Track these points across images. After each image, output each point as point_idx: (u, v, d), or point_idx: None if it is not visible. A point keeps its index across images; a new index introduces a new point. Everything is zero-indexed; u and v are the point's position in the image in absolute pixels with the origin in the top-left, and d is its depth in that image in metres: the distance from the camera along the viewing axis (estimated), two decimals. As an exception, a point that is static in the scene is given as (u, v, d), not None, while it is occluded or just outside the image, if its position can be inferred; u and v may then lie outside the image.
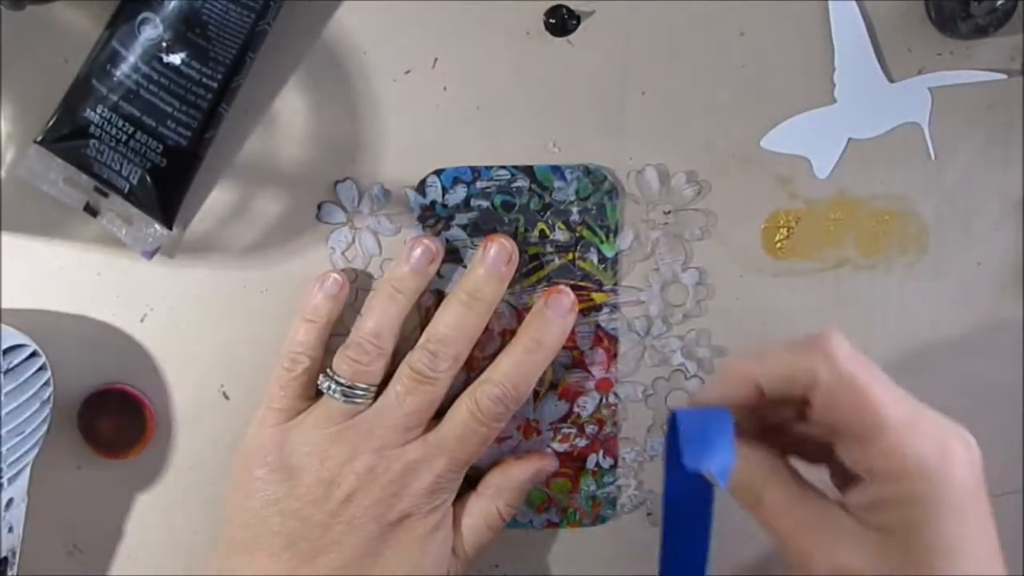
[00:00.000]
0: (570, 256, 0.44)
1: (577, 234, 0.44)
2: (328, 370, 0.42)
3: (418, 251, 0.42)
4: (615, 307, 0.45)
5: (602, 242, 0.44)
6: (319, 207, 0.43)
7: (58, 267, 0.43)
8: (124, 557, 0.46)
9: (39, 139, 0.40)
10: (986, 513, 0.36)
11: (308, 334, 0.43)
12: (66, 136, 0.40)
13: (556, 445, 0.46)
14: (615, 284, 0.45)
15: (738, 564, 0.48)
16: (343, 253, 0.44)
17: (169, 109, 0.40)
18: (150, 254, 0.43)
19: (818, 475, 0.39)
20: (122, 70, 0.39)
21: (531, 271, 0.44)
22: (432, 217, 0.44)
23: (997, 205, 0.45)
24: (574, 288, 0.44)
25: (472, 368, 0.44)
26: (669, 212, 0.44)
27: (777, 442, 0.39)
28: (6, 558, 0.41)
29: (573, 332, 0.44)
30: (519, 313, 0.44)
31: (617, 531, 0.47)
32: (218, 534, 0.43)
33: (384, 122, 0.43)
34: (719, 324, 0.46)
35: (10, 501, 0.41)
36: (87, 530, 0.46)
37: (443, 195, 0.43)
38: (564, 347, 0.44)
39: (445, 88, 0.43)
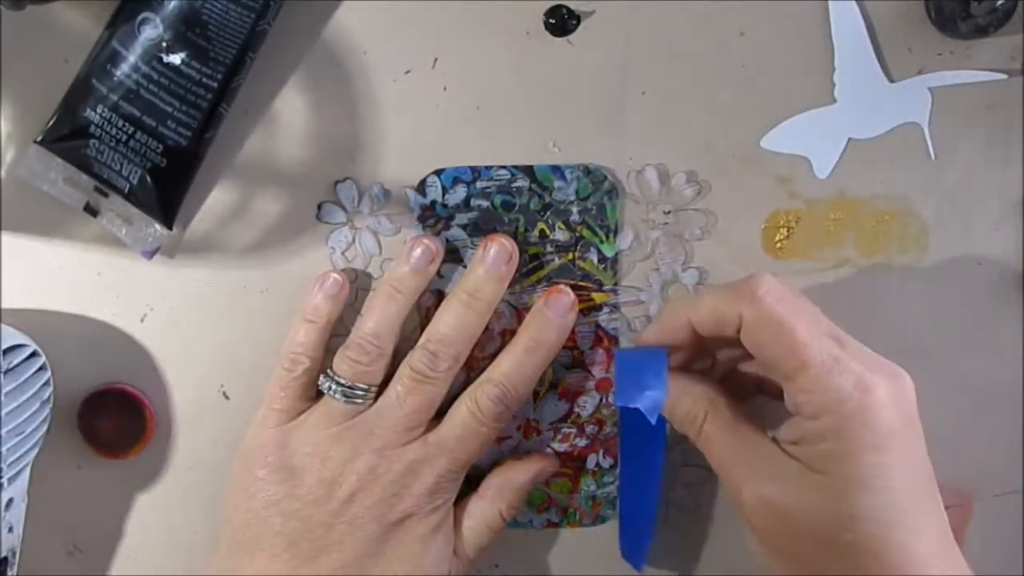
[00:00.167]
0: (570, 256, 0.44)
1: (577, 234, 0.44)
2: (328, 370, 0.42)
3: (418, 251, 0.42)
4: (615, 307, 0.45)
5: (602, 242, 0.44)
6: (319, 207, 0.43)
7: (58, 267, 0.43)
8: (124, 557, 0.47)
9: (39, 139, 0.40)
10: (915, 450, 0.37)
11: (308, 334, 0.43)
12: (66, 136, 0.40)
13: (556, 445, 0.46)
14: (615, 284, 0.45)
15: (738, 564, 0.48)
16: (343, 253, 0.44)
17: (169, 109, 0.40)
18: (150, 254, 0.43)
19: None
20: (122, 70, 0.39)
21: (531, 271, 0.44)
22: (432, 217, 0.44)
23: (997, 205, 0.45)
24: (574, 288, 0.44)
25: (472, 368, 0.44)
26: (669, 212, 0.44)
27: (746, 380, 0.42)
28: (6, 558, 0.41)
29: (573, 332, 0.44)
30: (519, 313, 0.45)
31: (617, 531, 0.47)
32: (218, 534, 0.43)
33: (384, 122, 0.43)
34: (719, 324, 0.46)
35: (10, 501, 0.41)
36: (87, 530, 0.46)
37: (443, 195, 0.43)
38: (564, 347, 0.44)
39: (445, 88, 0.43)
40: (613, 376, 0.42)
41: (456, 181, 0.43)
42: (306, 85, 0.42)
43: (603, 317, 0.45)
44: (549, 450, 0.46)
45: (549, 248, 0.44)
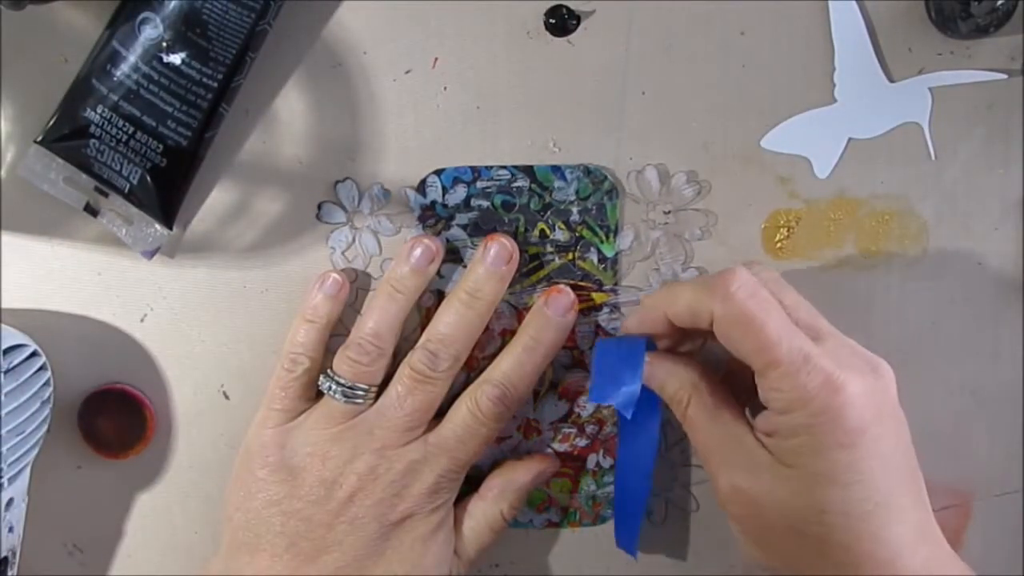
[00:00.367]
0: (570, 256, 0.44)
1: (577, 234, 0.44)
2: (328, 370, 0.42)
3: (418, 251, 0.42)
4: (615, 307, 0.45)
5: (602, 242, 0.44)
6: (319, 207, 0.43)
7: (58, 267, 0.43)
8: (124, 557, 0.47)
9: (39, 139, 0.40)
10: (890, 443, 0.37)
11: (308, 334, 0.43)
12: (66, 136, 0.40)
13: (556, 445, 0.46)
14: (615, 284, 0.45)
15: (736, 564, 0.48)
16: (343, 253, 0.44)
17: (169, 109, 0.40)
18: (150, 254, 0.43)
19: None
20: (122, 70, 0.39)
21: (531, 271, 0.44)
22: (432, 217, 0.44)
23: (997, 205, 0.45)
24: (574, 288, 0.44)
25: (472, 368, 0.44)
26: (669, 212, 0.44)
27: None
28: (6, 558, 0.41)
29: (573, 332, 0.44)
30: (519, 313, 0.45)
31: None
32: (218, 534, 0.43)
33: (384, 122, 0.43)
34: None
35: (10, 501, 0.41)
36: (87, 530, 0.46)
37: (443, 195, 0.43)
38: (564, 347, 0.44)
39: (445, 88, 0.43)
40: (591, 368, 0.42)
41: (456, 181, 0.43)
42: (306, 85, 0.42)
43: (603, 317, 0.45)
44: (549, 450, 0.46)
45: (549, 248, 0.44)
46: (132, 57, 0.39)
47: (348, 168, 0.43)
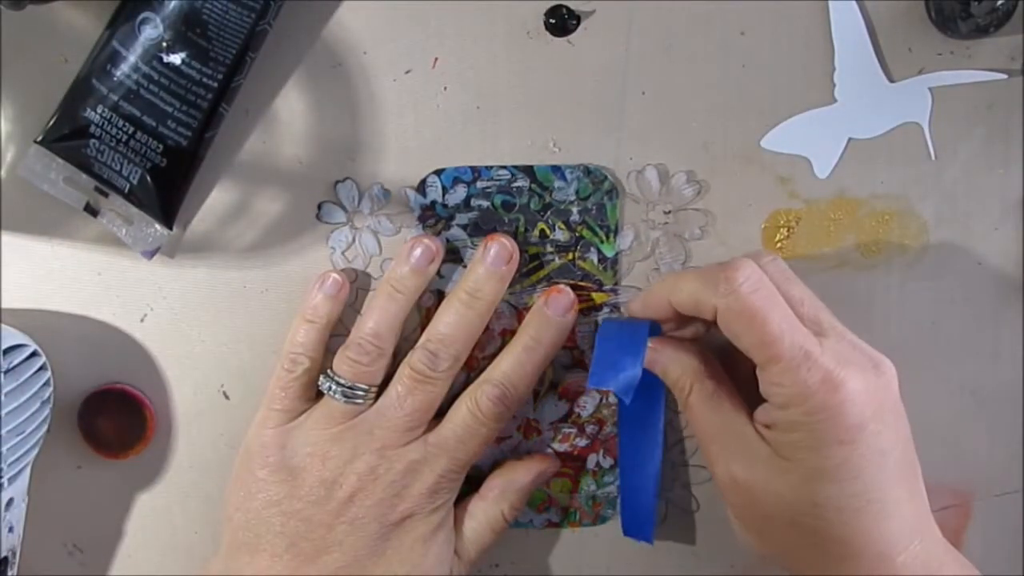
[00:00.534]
0: (570, 256, 0.44)
1: (577, 234, 0.44)
2: (328, 371, 0.42)
3: (418, 251, 0.42)
4: (615, 307, 0.45)
5: (602, 242, 0.44)
6: (319, 207, 0.43)
7: (58, 267, 0.43)
8: (124, 557, 0.47)
9: (39, 139, 0.40)
10: (888, 439, 0.37)
11: (308, 335, 0.43)
12: (66, 136, 0.40)
13: (556, 445, 0.46)
14: (615, 284, 0.45)
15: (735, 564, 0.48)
16: (343, 253, 0.44)
17: (169, 109, 0.40)
18: (150, 254, 0.43)
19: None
20: (122, 70, 0.39)
21: (531, 271, 0.44)
22: (432, 217, 0.44)
23: (997, 205, 0.45)
24: (574, 288, 0.44)
25: (472, 368, 0.44)
26: (669, 212, 0.44)
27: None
28: (6, 558, 0.41)
29: (573, 332, 0.44)
30: (519, 313, 0.45)
31: (617, 531, 0.47)
32: (218, 534, 0.43)
33: (384, 122, 0.43)
34: (719, 324, 0.46)
35: (10, 501, 0.41)
36: (87, 530, 0.46)
37: (443, 195, 0.43)
38: (564, 347, 0.44)
39: (445, 88, 0.43)
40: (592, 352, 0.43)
41: (456, 181, 0.43)
42: (306, 85, 0.42)
43: (603, 317, 0.45)
44: (549, 450, 0.46)
45: (549, 248, 0.44)
46: (132, 57, 0.39)
47: (348, 168, 0.43)
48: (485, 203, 0.44)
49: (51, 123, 0.40)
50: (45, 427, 0.42)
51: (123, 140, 0.40)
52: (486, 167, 0.43)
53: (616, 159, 0.44)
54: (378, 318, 0.42)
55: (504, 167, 0.43)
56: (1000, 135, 0.44)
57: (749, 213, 0.45)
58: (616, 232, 0.44)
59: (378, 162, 0.43)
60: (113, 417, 0.44)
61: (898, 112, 0.44)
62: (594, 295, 0.45)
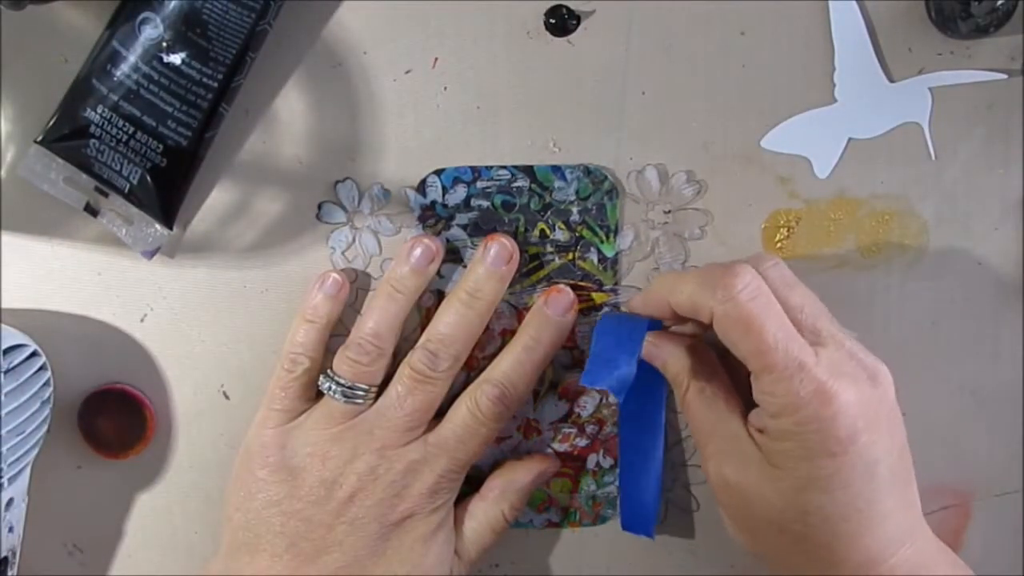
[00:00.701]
0: (570, 256, 0.44)
1: (577, 234, 0.44)
2: (328, 371, 0.42)
3: (418, 251, 0.42)
4: (615, 307, 0.45)
5: (602, 242, 0.44)
6: (319, 207, 0.43)
7: (58, 267, 0.43)
8: (124, 557, 0.47)
9: (39, 139, 0.40)
10: (882, 449, 0.37)
11: (308, 335, 0.43)
12: (66, 136, 0.40)
13: (556, 445, 0.46)
14: (615, 284, 0.45)
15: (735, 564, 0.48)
16: (343, 253, 0.44)
17: (169, 109, 0.40)
18: (150, 254, 0.43)
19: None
20: (122, 70, 0.39)
21: (531, 271, 0.44)
22: (432, 217, 0.44)
23: (997, 205, 0.45)
24: (574, 288, 0.44)
25: (472, 368, 0.44)
26: (669, 212, 0.44)
27: None
28: (6, 558, 0.41)
29: (573, 332, 0.44)
30: (519, 313, 0.45)
31: (617, 531, 0.47)
32: (218, 534, 0.43)
33: (384, 122, 0.43)
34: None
35: (10, 501, 0.41)
36: (87, 530, 0.46)
37: (443, 195, 0.43)
38: (564, 347, 0.44)
39: (445, 88, 0.43)
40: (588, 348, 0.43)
41: (456, 181, 0.43)
42: (306, 85, 0.42)
43: (604, 312, 0.45)
44: (549, 450, 0.46)
45: (549, 248, 0.44)
46: (132, 57, 0.39)
47: (348, 168, 0.43)
48: (485, 203, 0.44)
49: (51, 123, 0.40)
50: (45, 427, 0.42)
51: (123, 140, 0.40)
52: (486, 167, 0.43)
53: (616, 159, 0.44)
54: (378, 318, 0.42)
55: (504, 167, 0.43)
56: (1000, 135, 0.44)
57: (749, 213, 0.45)
58: (616, 232, 0.44)
59: (378, 162, 0.43)
60: (113, 417, 0.44)
61: (898, 112, 0.44)
62: (594, 295, 0.45)
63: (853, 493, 0.37)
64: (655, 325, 0.42)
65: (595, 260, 0.44)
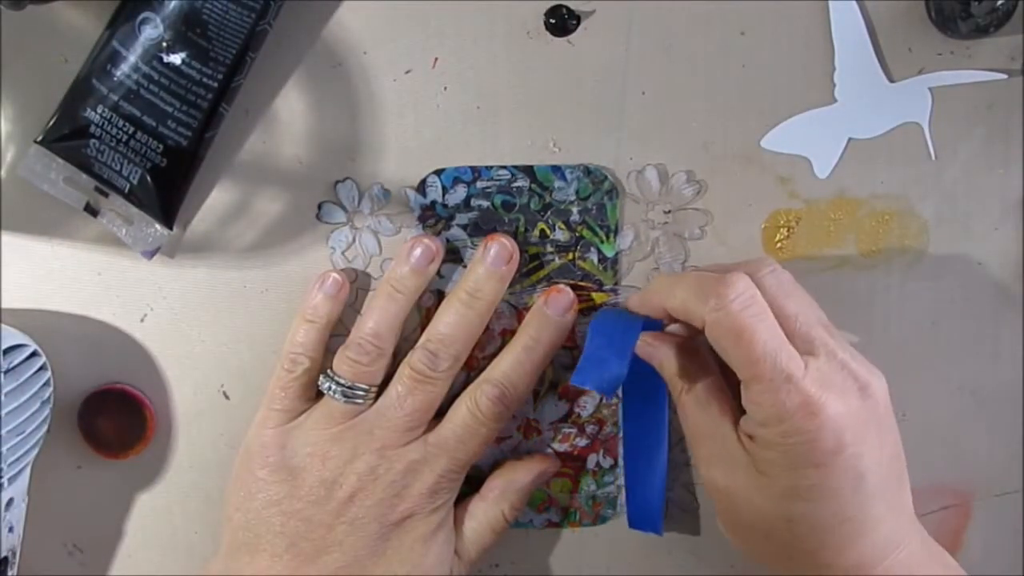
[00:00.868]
0: (570, 256, 0.44)
1: (577, 234, 0.44)
2: (328, 370, 0.42)
3: (418, 251, 0.42)
4: (615, 307, 0.45)
5: (602, 242, 0.44)
6: (319, 207, 0.43)
7: (58, 267, 0.43)
8: (124, 557, 0.47)
9: (39, 139, 0.40)
10: (871, 460, 0.37)
11: (308, 334, 0.43)
12: (66, 136, 0.40)
13: (556, 445, 0.46)
14: (615, 284, 0.45)
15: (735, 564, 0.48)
16: (343, 253, 0.44)
17: (169, 109, 0.40)
18: (150, 254, 0.43)
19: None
20: (122, 70, 0.39)
21: (531, 271, 0.44)
22: (432, 217, 0.44)
23: (997, 205, 0.45)
24: (574, 288, 0.44)
25: (472, 368, 0.44)
26: (669, 212, 0.44)
27: None
28: (6, 558, 0.41)
29: (573, 332, 0.44)
30: (519, 313, 0.45)
31: (617, 531, 0.47)
32: (218, 534, 0.43)
33: (384, 122, 0.43)
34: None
35: (10, 501, 0.41)
36: (87, 530, 0.46)
37: (443, 195, 0.43)
38: (564, 347, 0.44)
39: (445, 88, 0.43)
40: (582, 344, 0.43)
41: (456, 181, 0.43)
42: (306, 85, 0.42)
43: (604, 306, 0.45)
44: (549, 450, 0.46)
45: (549, 248, 0.44)
46: (132, 57, 0.39)
47: (348, 168, 0.43)
48: (485, 203, 0.44)
49: (51, 123, 0.40)
50: (45, 427, 0.42)
51: (123, 140, 0.40)
52: (486, 167, 0.43)
53: (616, 159, 0.44)
54: (378, 318, 0.42)
55: (504, 167, 0.43)
56: (1000, 135, 0.44)
57: (749, 213, 0.45)
58: (616, 232, 0.44)
59: (378, 162, 0.43)
60: (113, 417, 0.44)
61: (898, 112, 0.44)
62: (594, 295, 0.45)
63: (839, 503, 0.37)
64: (652, 324, 0.42)
65: (595, 260, 0.44)
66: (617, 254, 0.44)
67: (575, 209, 0.44)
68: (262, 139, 0.43)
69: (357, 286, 0.44)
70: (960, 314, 0.46)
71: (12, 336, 0.41)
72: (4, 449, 0.39)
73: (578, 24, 0.42)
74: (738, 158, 0.44)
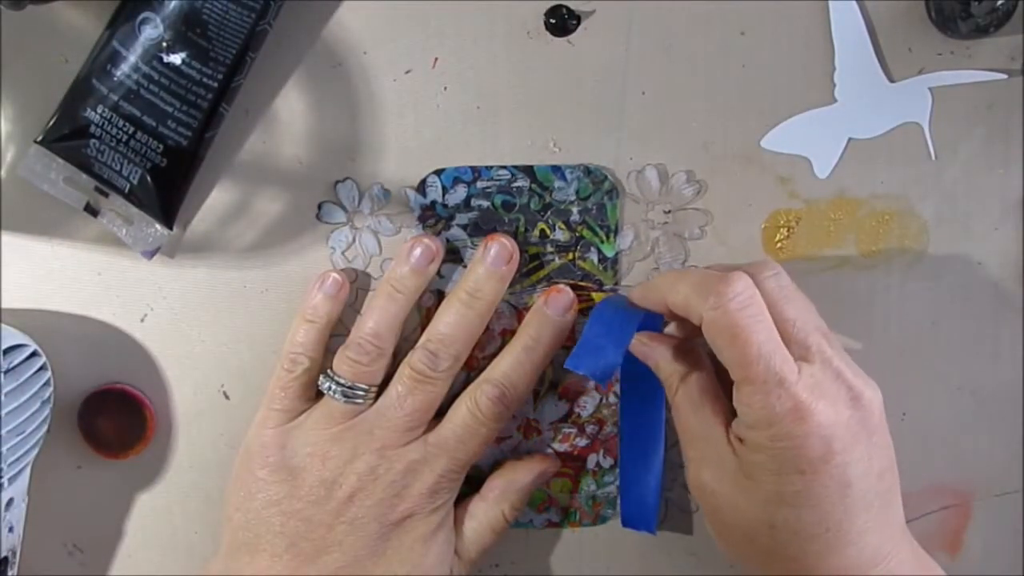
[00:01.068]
0: (570, 256, 0.44)
1: (577, 234, 0.44)
2: (328, 370, 0.42)
3: (418, 251, 0.42)
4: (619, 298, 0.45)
5: (602, 242, 0.44)
6: (319, 207, 0.43)
7: (58, 267, 0.43)
8: (124, 557, 0.47)
9: (39, 139, 0.40)
10: (858, 470, 0.37)
11: (308, 334, 0.43)
12: (66, 136, 0.40)
13: (556, 445, 0.46)
14: (615, 284, 0.45)
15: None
16: (343, 253, 0.44)
17: (169, 109, 0.40)
18: (150, 254, 0.43)
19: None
20: (122, 70, 0.39)
21: (531, 271, 0.44)
22: (432, 217, 0.44)
23: (997, 205, 0.45)
24: (574, 288, 0.44)
25: (472, 368, 0.44)
26: (669, 211, 0.44)
27: None
28: (6, 558, 0.41)
29: (573, 332, 0.44)
30: (519, 313, 0.45)
31: (617, 531, 0.47)
32: (218, 534, 0.43)
33: (384, 122, 0.43)
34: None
35: (10, 501, 0.41)
36: (87, 530, 0.46)
37: (443, 195, 0.43)
38: (564, 346, 0.44)
39: (445, 88, 0.43)
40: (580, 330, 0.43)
41: (456, 181, 0.43)
42: (306, 85, 0.42)
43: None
44: (549, 450, 0.46)
45: (549, 248, 0.44)
46: (132, 57, 0.39)
47: (348, 168, 0.43)
48: (485, 203, 0.44)
49: (51, 123, 0.40)
50: (45, 427, 0.42)
51: (123, 140, 0.40)
52: (486, 167, 0.43)
53: (616, 159, 0.44)
54: (378, 318, 0.42)
55: (504, 167, 0.43)
56: (1000, 135, 0.44)
57: (749, 213, 0.45)
58: (616, 232, 0.44)
59: (378, 162, 0.43)
60: (113, 417, 0.44)
61: (898, 112, 0.44)
62: (594, 295, 0.45)
63: (822, 512, 0.37)
64: (651, 318, 0.42)
65: (595, 260, 0.44)
66: (617, 254, 0.44)
67: (575, 209, 0.44)
68: (262, 139, 0.43)
69: (357, 286, 0.44)
70: (960, 314, 0.46)
71: (12, 336, 0.41)
72: (4, 449, 0.39)
73: (578, 24, 0.42)
74: (738, 158, 0.44)
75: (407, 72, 0.42)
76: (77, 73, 0.40)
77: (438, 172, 0.43)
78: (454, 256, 0.44)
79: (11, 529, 0.41)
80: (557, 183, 0.44)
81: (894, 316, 0.46)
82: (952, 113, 0.44)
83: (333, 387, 0.42)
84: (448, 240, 0.44)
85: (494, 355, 0.44)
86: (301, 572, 0.41)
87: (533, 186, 0.44)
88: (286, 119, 0.43)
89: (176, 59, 0.39)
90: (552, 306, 0.43)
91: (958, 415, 0.47)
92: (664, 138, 0.43)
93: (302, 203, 0.43)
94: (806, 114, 0.43)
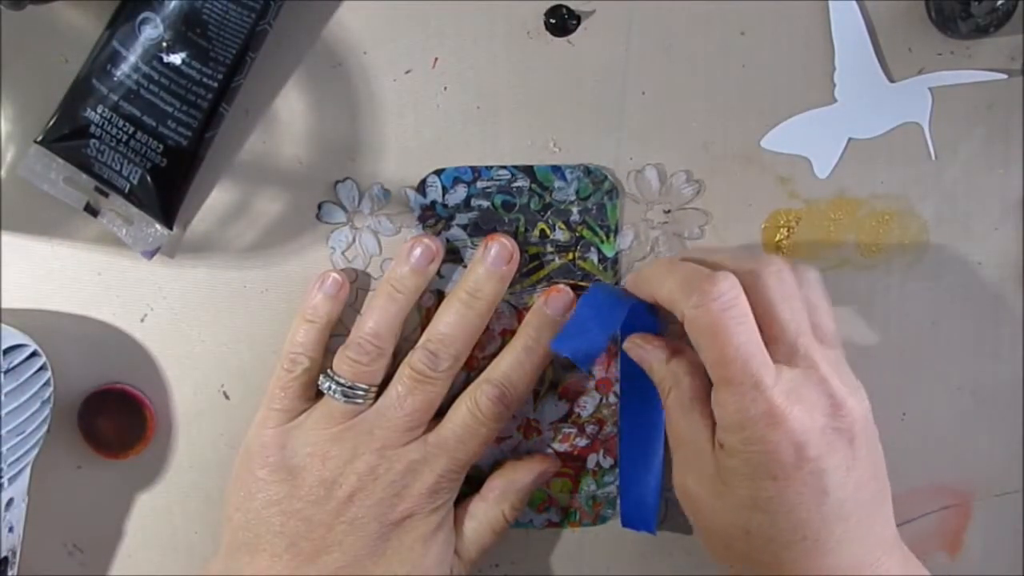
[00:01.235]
0: (570, 256, 0.44)
1: (577, 234, 0.44)
2: (328, 370, 0.42)
3: (418, 251, 0.42)
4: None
5: (602, 242, 0.44)
6: (319, 207, 0.44)
7: (58, 267, 0.43)
8: (124, 557, 0.47)
9: (39, 139, 0.40)
10: (834, 480, 0.36)
11: (308, 334, 0.43)
12: (66, 136, 0.40)
13: (556, 445, 0.46)
14: (616, 284, 0.45)
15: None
16: (343, 253, 0.44)
17: (169, 109, 0.40)
18: (150, 254, 0.43)
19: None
20: (122, 70, 0.39)
21: (531, 271, 0.44)
22: (432, 217, 0.44)
23: (997, 205, 0.45)
24: (574, 288, 0.44)
25: (472, 368, 0.44)
26: (669, 211, 0.44)
27: None
28: (6, 558, 0.41)
29: (573, 332, 0.44)
30: (519, 313, 0.45)
31: (617, 531, 0.47)
32: (218, 534, 0.43)
33: (384, 122, 0.43)
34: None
35: (10, 501, 0.41)
36: (87, 530, 0.46)
37: (443, 195, 0.44)
38: (564, 347, 0.44)
39: (445, 88, 0.43)
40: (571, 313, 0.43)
41: (456, 181, 0.43)
42: (306, 85, 0.42)
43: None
44: (549, 450, 0.46)
45: (549, 248, 0.44)
46: (132, 57, 0.39)
47: (348, 168, 0.43)
48: (485, 203, 0.44)
49: (51, 123, 0.40)
50: (45, 427, 0.42)
51: (123, 140, 0.40)
52: (486, 167, 0.43)
53: (616, 159, 0.44)
54: (378, 318, 0.42)
55: (504, 167, 0.43)
56: (1000, 135, 0.44)
57: (749, 213, 0.45)
58: (616, 232, 0.44)
59: (378, 162, 0.43)
60: (113, 417, 0.44)
61: (898, 112, 0.44)
62: (594, 295, 0.45)
63: (796, 520, 0.36)
64: (645, 312, 0.42)
65: (595, 260, 0.44)
66: (617, 254, 0.44)
67: (575, 209, 0.44)
68: (262, 139, 0.43)
69: (357, 286, 0.44)
70: (960, 314, 0.46)
71: (12, 336, 0.41)
72: (4, 449, 0.39)
73: (578, 24, 0.42)
74: (738, 158, 0.44)
75: (407, 72, 0.42)
76: (77, 73, 0.40)
77: (438, 172, 0.43)
78: (454, 256, 0.44)
79: (11, 529, 0.41)
80: (557, 183, 0.44)
81: (894, 316, 0.46)
82: (952, 113, 0.44)
83: (333, 387, 0.42)
84: (448, 240, 0.44)
85: (494, 355, 0.44)
86: (301, 572, 0.41)
87: (533, 186, 0.44)
88: (286, 119, 0.43)
89: (176, 59, 0.39)
90: (552, 306, 0.43)
91: (958, 415, 0.47)
92: (664, 138, 0.43)
93: (302, 203, 0.43)
94: (806, 114, 0.43)
